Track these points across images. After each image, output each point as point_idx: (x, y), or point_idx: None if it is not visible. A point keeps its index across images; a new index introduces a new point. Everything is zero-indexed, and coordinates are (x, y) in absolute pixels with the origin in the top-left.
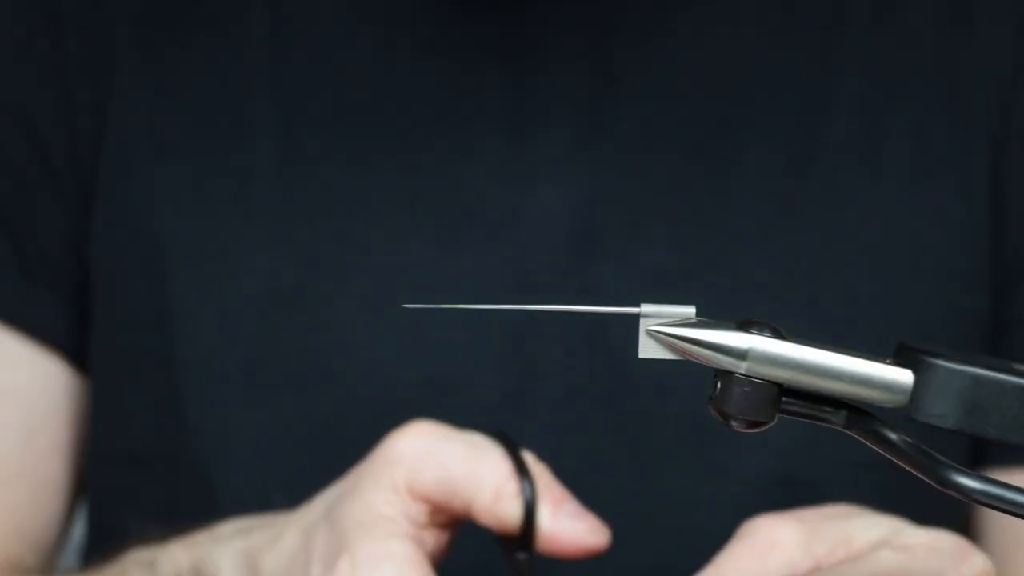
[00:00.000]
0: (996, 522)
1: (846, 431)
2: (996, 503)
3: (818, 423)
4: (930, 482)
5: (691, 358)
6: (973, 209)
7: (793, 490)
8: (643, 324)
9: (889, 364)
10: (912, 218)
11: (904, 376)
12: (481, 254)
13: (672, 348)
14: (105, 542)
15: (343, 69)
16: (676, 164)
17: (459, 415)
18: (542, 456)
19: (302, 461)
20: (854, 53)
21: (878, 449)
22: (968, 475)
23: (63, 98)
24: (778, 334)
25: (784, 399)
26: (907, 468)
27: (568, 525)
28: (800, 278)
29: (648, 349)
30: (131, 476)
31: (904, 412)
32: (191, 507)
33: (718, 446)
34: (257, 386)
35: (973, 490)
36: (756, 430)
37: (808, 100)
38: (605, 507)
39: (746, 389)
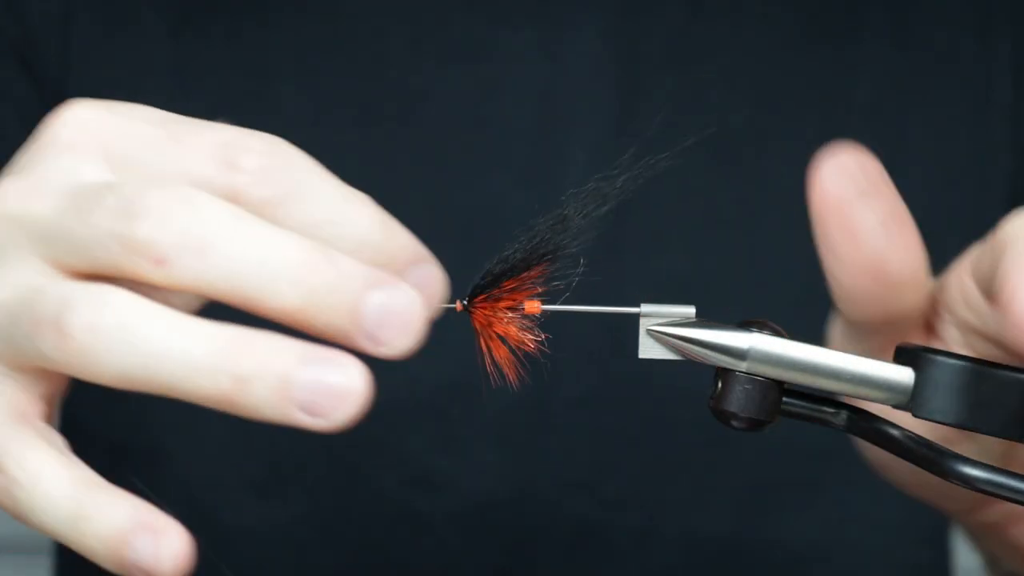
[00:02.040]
0: None
1: (847, 431)
2: (1002, 492)
3: (819, 424)
4: (935, 474)
5: (691, 358)
6: (991, 210)
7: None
8: (643, 324)
9: (890, 362)
10: (930, 219)
11: (905, 374)
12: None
13: (672, 348)
14: None
15: (368, 64)
16: (695, 166)
17: (475, 418)
18: (556, 458)
19: (320, 467)
20: (872, 55)
21: (881, 447)
22: (973, 464)
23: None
24: (778, 333)
25: (785, 399)
26: (911, 463)
27: None
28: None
29: (648, 349)
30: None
31: (906, 408)
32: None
33: (730, 449)
34: None
35: (978, 479)
36: (756, 430)
37: (828, 101)
38: (617, 510)
39: (747, 387)
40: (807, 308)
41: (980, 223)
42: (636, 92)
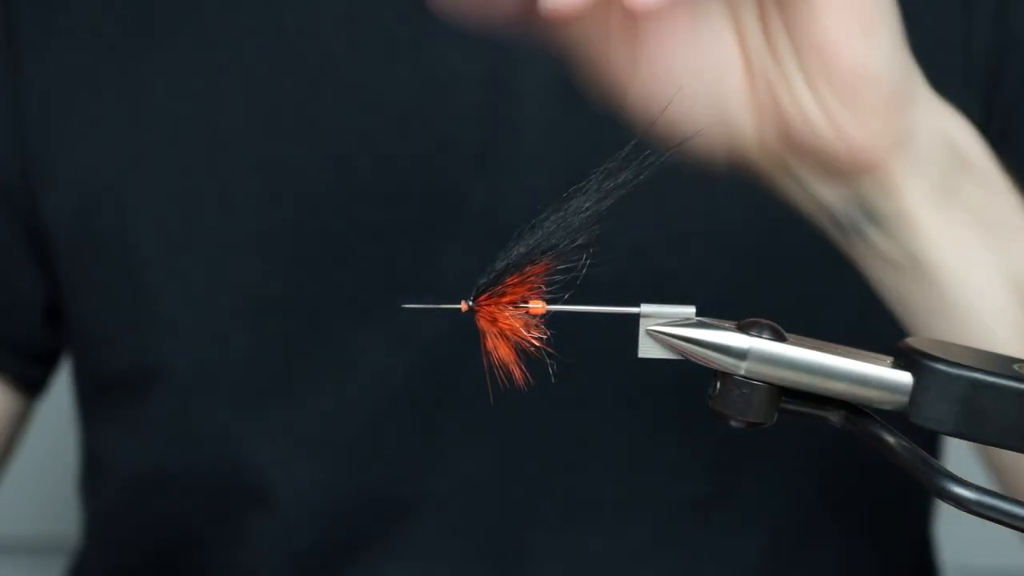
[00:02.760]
0: None
1: (845, 431)
2: (993, 514)
3: (817, 423)
4: (926, 489)
5: (691, 358)
6: None
7: None
8: (643, 324)
9: (889, 366)
10: None
11: (904, 378)
12: (466, 246)
13: (672, 348)
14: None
15: (315, 71)
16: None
17: (451, 412)
18: (530, 439)
19: (301, 468)
20: None
21: (875, 450)
22: (965, 485)
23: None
24: (778, 335)
25: (784, 399)
26: (902, 470)
27: None
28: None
29: (648, 349)
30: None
31: (904, 413)
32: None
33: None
34: (249, 398)
35: (970, 501)
36: (755, 430)
37: None
38: (596, 483)
39: (744, 391)
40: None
41: None
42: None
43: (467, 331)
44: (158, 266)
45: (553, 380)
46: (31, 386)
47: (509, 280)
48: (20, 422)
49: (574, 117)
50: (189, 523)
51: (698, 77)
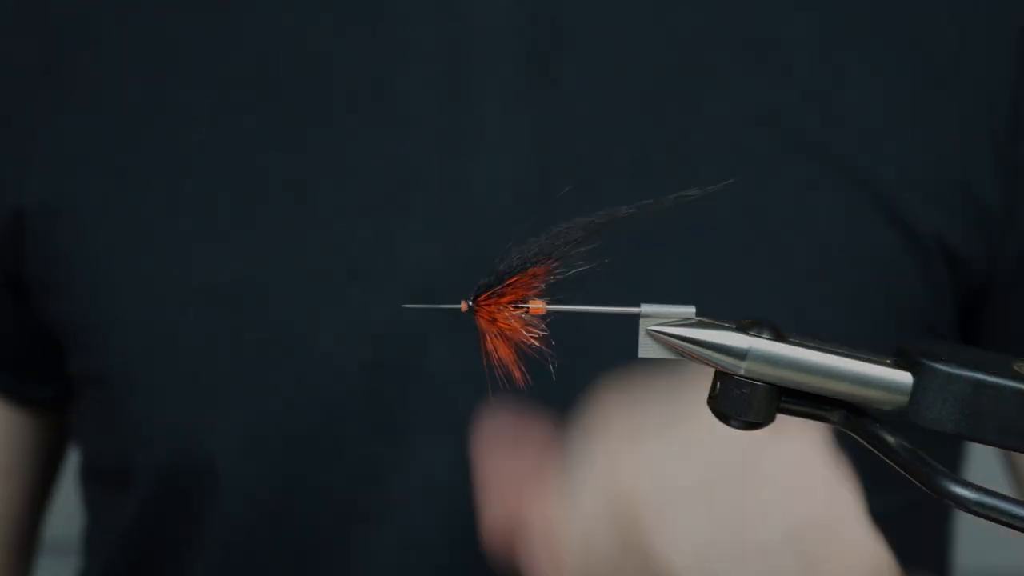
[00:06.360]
0: None
1: (845, 431)
2: (993, 514)
3: (817, 422)
4: (926, 489)
5: (691, 358)
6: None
7: None
8: (643, 324)
9: (889, 366)
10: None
11: (904, 378)
12: (425, 228)
13: (672, 348)
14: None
15: (267, 48)
16: (628, 116)
17: (408, 399)
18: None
19: (260, 457)
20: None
21: (875, 450)
22: (964, 485)
23: None
24: (778, 335)
25: (784, 399)
26: (902, 471)
27: None
28: (766, 237)
29: (648, 349)
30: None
31: (904, 413)
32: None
33: None
34: (205, 387)
35: (969, 500)
36: (755, 430)
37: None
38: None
39: (743, 392)
40: (752, 260)
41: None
42: (549, 39)
43: (424, 317)
44: (108, 259)
45: (554, 379)
46: (30, 402)
47: (509, 280)
48: (32, 439)
49: (539, 91)
50: (150, 523)
51: None
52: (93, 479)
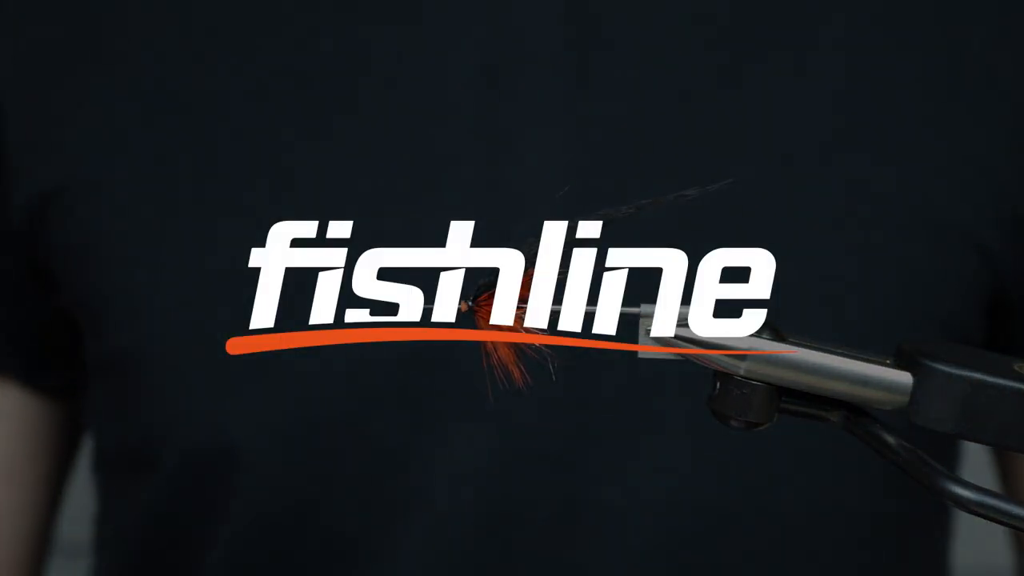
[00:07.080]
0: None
1: (844, 431)
2: (993, 514)
3: (817, 422)
4: (926, 489)
5: (691, 358)
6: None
7: None
8: (643, 324)
9: (889, 366)
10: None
11: (904, 378)
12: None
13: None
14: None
15: (305, 36)
16: (666, 111)
17: (436, 389)
18: (523, 433)
19: (287, 444)
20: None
21: (874, 450)
22: (964, 485)
23: None
24: (778, 333)
25: (784, 399)
26: (902, 471)
27: None
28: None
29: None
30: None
31: (904, 413)
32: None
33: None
34: (235, 371)
35: (969, 500)
36: (754, 430)
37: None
38: (594, 483)
39: (744, 391)
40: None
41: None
42: (592, 36)
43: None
44: (133, 247)
45: (554, 379)
46: (47, 389)
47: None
48: (49, 427)
49: (577, 84)
50: (173, 509)
51: None
52: (111, 467)
